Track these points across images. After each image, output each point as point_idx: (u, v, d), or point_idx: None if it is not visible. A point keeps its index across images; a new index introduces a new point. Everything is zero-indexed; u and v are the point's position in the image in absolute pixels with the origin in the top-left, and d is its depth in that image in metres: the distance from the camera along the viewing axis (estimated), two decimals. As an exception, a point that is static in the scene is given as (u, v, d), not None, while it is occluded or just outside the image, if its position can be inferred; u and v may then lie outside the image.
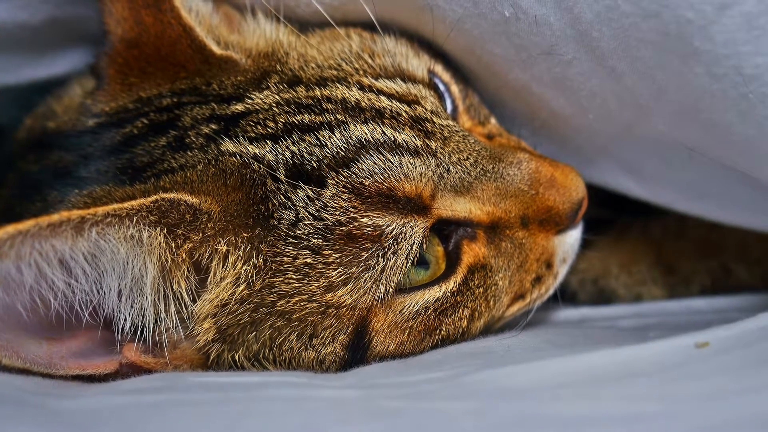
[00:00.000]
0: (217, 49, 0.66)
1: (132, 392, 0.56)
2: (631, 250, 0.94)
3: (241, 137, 0.61)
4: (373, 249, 0.60)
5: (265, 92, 0.64)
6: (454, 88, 0.73)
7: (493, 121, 0.76)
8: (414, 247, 0.61)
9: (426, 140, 0.63)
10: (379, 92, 0.65)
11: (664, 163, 0.74)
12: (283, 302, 0.60)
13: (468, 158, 0.65)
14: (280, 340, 0.61)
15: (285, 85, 0.65)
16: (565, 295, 0.88)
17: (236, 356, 0.61)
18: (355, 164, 0.60)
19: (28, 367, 0.57)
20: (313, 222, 0.59)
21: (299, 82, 0.65)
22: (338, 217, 0.59)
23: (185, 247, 0.58)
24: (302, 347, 0.62)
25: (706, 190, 0.76)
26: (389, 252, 0.60)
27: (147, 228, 0.56)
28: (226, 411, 0.52)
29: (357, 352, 0.63)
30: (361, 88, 0.65)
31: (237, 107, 0.63)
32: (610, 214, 0.94)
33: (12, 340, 0.56)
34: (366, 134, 0.61)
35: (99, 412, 0.52)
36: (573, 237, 0.72)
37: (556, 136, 0.78)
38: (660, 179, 0.78)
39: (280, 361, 0.62)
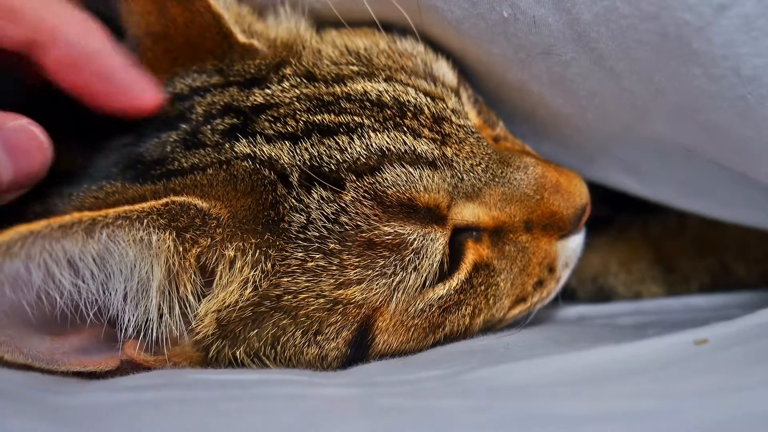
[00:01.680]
0: (241, 38, 0.67)
1: (131, 389, 0.56)
2: (630, 248, 0.94)
3: (258, 136, 0.61)
4: (391, 258, 0.60)
5: (285, 83, 0.64)
6: (464, 90, 0.73)
7: (501, 124, 0.76)
8: (435, 265, 0.62)
9: (443, 147, 0.63)
10: (407, 85, 0.65)
11: (663, 162, 0.74)
12: (289, 297, 0.60)
13: (480, 163, 0.65)
14: (284, 339, 0.61)
15: (301, 79, 0.65)
16: (564, 293, 0.88)
17: (237, 353, 0.61)
18: (379, 173, 0.60)
19: (29, 363, 0.57)
20: (327, 224, 0.59)
21: (314, 77, 0.65)
22: (359, 223, 0.59)
23: (193, 251, 0.58)
24: (305, 344, 0.62)
25: (705, 188, 0.76)
26: (410, 267, 0.61)
27: (156, 231, 0.56)
28: (225, 408, 0.52)
29: (359, 349, 0.63)
30: (387, 79, 0.65)
31: (257, 98, 0.63)
32: (609, 212, 0.94)
33: (14, 336, 0.56)
34: (387, 143, 0.61)
35: (98, 408, 0.52)
36: (576, 242, 0.72)
37: (556, 134, 0.78)
38: (659, 177, 0.78)
39: (281, 359, 0.62)
